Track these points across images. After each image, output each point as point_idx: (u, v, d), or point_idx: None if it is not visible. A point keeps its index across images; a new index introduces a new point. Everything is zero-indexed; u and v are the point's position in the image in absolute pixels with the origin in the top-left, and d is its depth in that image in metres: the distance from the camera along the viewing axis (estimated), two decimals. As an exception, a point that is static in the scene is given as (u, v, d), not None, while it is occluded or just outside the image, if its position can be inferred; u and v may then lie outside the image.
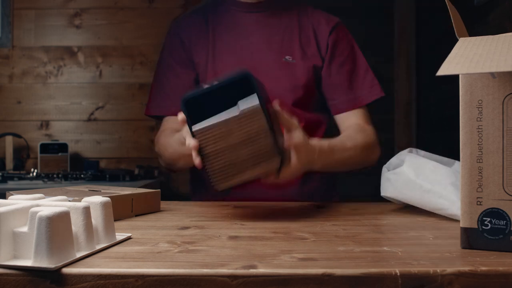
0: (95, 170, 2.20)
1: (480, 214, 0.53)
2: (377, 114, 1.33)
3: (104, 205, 0.56)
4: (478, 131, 0.53)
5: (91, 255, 0.50)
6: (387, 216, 0.81)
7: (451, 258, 0.49)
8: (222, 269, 0.44)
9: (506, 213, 0.51)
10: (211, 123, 0.71)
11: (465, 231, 0.54)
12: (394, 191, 0.83)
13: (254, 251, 0.52)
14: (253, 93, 0.71)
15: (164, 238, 0.60)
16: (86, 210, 0.52)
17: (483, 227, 0.52)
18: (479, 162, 0.53)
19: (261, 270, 0.44)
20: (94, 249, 0.51)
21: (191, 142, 0.73)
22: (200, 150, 0.72)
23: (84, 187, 0.90)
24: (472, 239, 0.53)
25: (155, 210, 0.86)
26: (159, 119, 1.20)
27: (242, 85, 0.72)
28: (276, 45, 1.16)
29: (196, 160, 0.74)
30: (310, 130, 1.17)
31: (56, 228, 0.45)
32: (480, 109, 0.53)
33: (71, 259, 0.46)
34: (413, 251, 0.52)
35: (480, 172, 0.52)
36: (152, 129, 2.51)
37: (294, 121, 0.80)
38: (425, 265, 0.46)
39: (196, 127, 0.71)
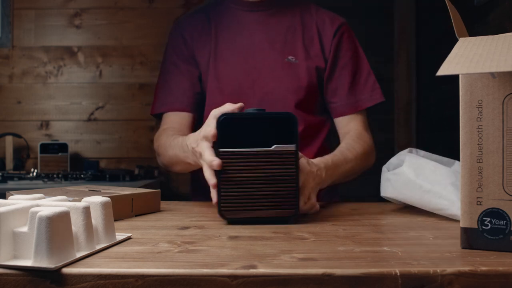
0: (95, 170, 2.20)
1: (480, 214, 0.53)
2: (377, 114, 1.33)
3: (104, 205, 0.56)
4: (478, 131, 0.53)
5: (91, 255, 0.50)
6: (387, 216, 0.81)
7: (451, 258, 0.49)
8: (222, 269, 0.44)
9: (506, 213, 0.51)
10: (242, 149, 0.70)
11: (465, 231, 0.54)
12: (394, 191, 0.83)
13: (254, 251, 0.52)
14: (290, 135, 0.70)
15: (164, 238, 0.60)
16: (86, 210, 0.52)
17: (483, 227, 0.52)
18: (479, 162, 0.53)
19: (261, 270, 0.44)
20: (94, 249, 0.51)
21: (214, 160, 0.70)
22: (219, 172, 0.70)
23: (84, 187, 0.90)
24: (472, 239, 0.53)
25: (155, 210, 0.86)
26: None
27: (281, 123, 0.71)
28: (278, 45, 1.15)
29: (213, 180, 0.72)
30: (312, 133, 1.17)
31: (56, 228, 0.45)
32: (480, 109, 0.53)
33: (71, 259, 0.46)
34: (413, 251, 0.52)
35: (480, 172, 0.52)
36: (152, 129, 2.50)
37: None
38: (425, 265, 0.46)
39: (225, 149, 0.70)
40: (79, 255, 0.48)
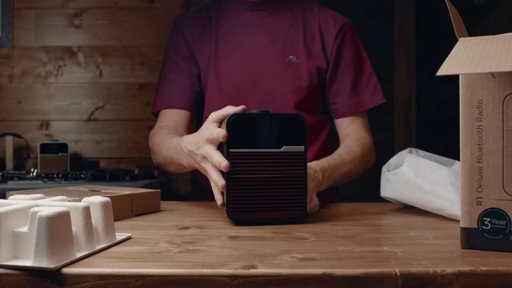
0: (95, 170, 2.20)
1: (480, 214, 0.53)
2: (377, 114, 1.33)
3: (104, 205, 0.56)
4: (478, 131, 0.53)
5: (91, 255, 0.50)
6: (387, 216, 0.81)
7: (451, 258, 0.49)
8: (222, 269, 0.44)
9: (506, 213, 0.51)
10: (252, 150, 0.70)
11: (465, 231, 0.54)
12: (394, 191, 0.83)
13: (254, 251, 0.52)
14: (298, 137, 0.71)
15: (164, 238, 0.60)
16: (86, 210, 0.52)
17: (483, 227, 0.52)
18: (479, 162, 0.53)
19: (261, 270, 0.44)
20: (94, 249, 0.51)
21: (223, 162, 0.70)
22: (227, 173, 0.70)
23: (84, 187, 0.90)
24: (472, 239, 0.53)
25: (155, 210, 0.86)
26: None
27: (290, 125, 0.71)
28: (279, 44, 1.15)
29: (222, 182, 0.71)
30: (313, 133, 1.17)
31: (56, 228, 0.45)
32: (480, 109, 0.53)
33: (71, 259, 0.46)
34: (413, 251, 0.52)
35: (480, 172, 0.52)
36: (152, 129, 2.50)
37: None
38: (425, 265, 0.46)
39: (235, 149, 0.69)
40: (79, 255, 0.48)
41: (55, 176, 2.04)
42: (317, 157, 1.03)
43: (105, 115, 2.52)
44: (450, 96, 2.02)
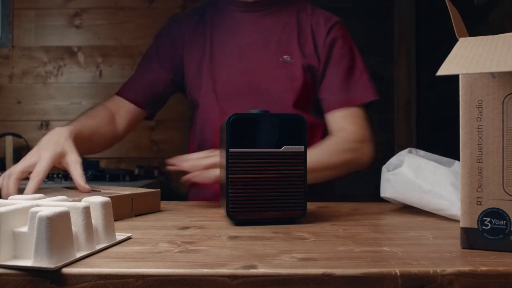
0: (95, 170, 2.20)
1: (480, 214, 0.53)
2: (377, 114, 1.34)
3: (104, 205, 0.56)
4: (478, 131, 0.53)
5: (91, 255, 0.50)
6: (387, 216, 0.81)
7: (451, 258, 0.49)
8: (222, 269, 0.44)
9: (506, 213, 0.51)
10: (251, 150, 0.70)
11: (465, 231, 0.54)
12: (394, 192, 0.83)
13: (254, 251, 0.52)
14: (298, 137, 0.71)
15: (164, 238, 0.60)
16: (86, 210, 0.52)
17: (483, 227, 0.52)
18: (479, 162, 0.53)
19: (261, 270, 0.44)
20: (94, 249, 0.51)
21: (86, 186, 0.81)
22: (227, 173, 0.70)
23: (84, 187, 0.89)
24: (472, 239, 0.53)
25: (155, 210, 0.86)
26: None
27: (290, 125, 0.71)
28: (273, 45, 1.16)
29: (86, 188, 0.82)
30: (308, 132, 1.17)
31: (56, 228, 0.45)
32: (480, 109, 0.53)
33: (71, 259, 0.46)
34: (413, 251, 0.52)
35: (480, 172, 0.52)
36: (153, 129, 2.51)
37: None
38: (425, 265, 0.46)
39: (234, 149, 0.69)
40: (79, 255, 0.48)
41: (55, 176, 2.04)
42: None
43: (105, 115, 2.52)
44: (450, 96, 2.02)
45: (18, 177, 0.82)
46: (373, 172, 1.10)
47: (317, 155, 1.02)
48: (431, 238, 0.60)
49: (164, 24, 1.27)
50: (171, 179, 2.50)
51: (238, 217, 0.70)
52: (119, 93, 1.23)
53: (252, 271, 0.44)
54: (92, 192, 0.83)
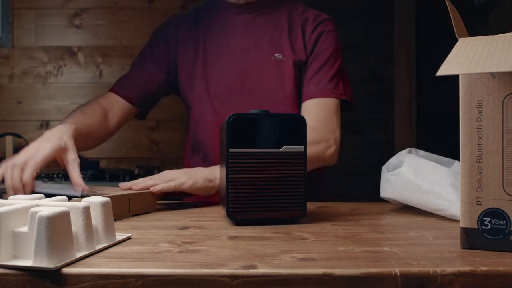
0: (95, 170, 2.20)
1: (480, 214, 0.53)
2: (377, 114, 1.33)
3: (104, 205, 0.56)
4: (478, 131, 0.53)
5: (91, 255, 0.50)
6: (387, 216, 0.81)
7: (451, 258, 0.49)
8: (222, 269, 0.44)
9: (506, 213, 0.51)
10: (252, 150, 0.70)
11: (465, 231, 0.54)
12: (394, 192, 0.83)
13: (254, 251, 0.52)
14: (298, 137, 0.71)
15: (164, 238, 0.60)
16: (86, 210, 0.52)
17: (483, 227, 0.52)
18: (479, 162, 0.53)
19: (261, 270, 0.44)
20: (94, 249, 0.51)
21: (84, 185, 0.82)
22: (227, 173, 0.70)
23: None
24: (472, 239, 0.53)
25: (152, 209, 0.86)
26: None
27: (290, 125, 0.71)
28: (265, 44, 1.18)
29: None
30: None
31: (56, 228, 0.45)
32: (480, 109, 0.53)
33: (71, 259, 0.46)
34: (413, 251, 0.52)
35: (480, 172, 0.52)
36: (153, 129, 2.50)
37: None
38: (425, 265, 0.46)
39: (234, 149, 0.69)
40: (79, 255, 0.48)
41: (55, 176, 2.04)
42: None
43: (105, 115, 2.52)
44: (450, 96, 2.02)
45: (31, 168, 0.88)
46: (372, 173, 1.10)
47: None
48: (431, 238, 0.60)
49: (160, 26, 1.28)
50: (171, 179, 2.49)
51: (238, 217, 0.70)
52: (113, 90, 1.24)
53: (252, 271, 0.44)
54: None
